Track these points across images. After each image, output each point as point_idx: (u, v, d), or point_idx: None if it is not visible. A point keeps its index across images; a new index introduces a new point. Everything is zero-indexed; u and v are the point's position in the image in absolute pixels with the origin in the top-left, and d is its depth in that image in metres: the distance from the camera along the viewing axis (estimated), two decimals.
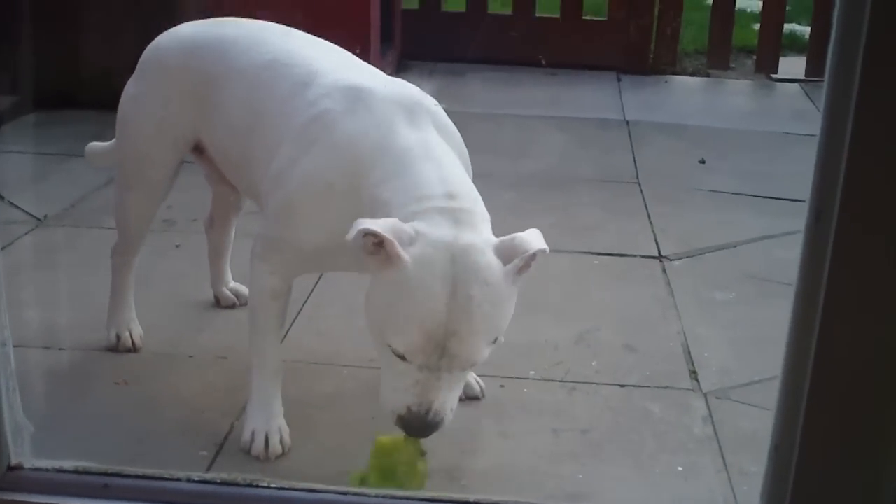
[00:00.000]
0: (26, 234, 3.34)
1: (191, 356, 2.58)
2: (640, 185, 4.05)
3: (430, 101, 2.11)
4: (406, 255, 1.76)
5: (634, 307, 2.95)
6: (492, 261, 1.81)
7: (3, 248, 3.16)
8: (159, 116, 2.39)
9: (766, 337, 2.77)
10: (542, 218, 3.59)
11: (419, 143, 1.96)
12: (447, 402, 1.83)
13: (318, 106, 2.07)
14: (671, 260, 3.31)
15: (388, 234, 1.74)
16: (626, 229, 3.57)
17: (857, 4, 1.18)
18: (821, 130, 1.29)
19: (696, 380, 2.55)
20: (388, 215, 1.84)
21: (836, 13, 1.22)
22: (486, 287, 1.78)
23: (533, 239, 1.88)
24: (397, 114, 2.00)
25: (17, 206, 3.56)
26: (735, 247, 3.47)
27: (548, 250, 1.89)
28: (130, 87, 2.46)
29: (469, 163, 2.14)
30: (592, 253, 3.35)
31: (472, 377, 2.42)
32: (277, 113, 2.14)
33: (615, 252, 3.36)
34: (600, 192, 3.98)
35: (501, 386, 2.48)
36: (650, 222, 3.64)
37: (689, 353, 2.68)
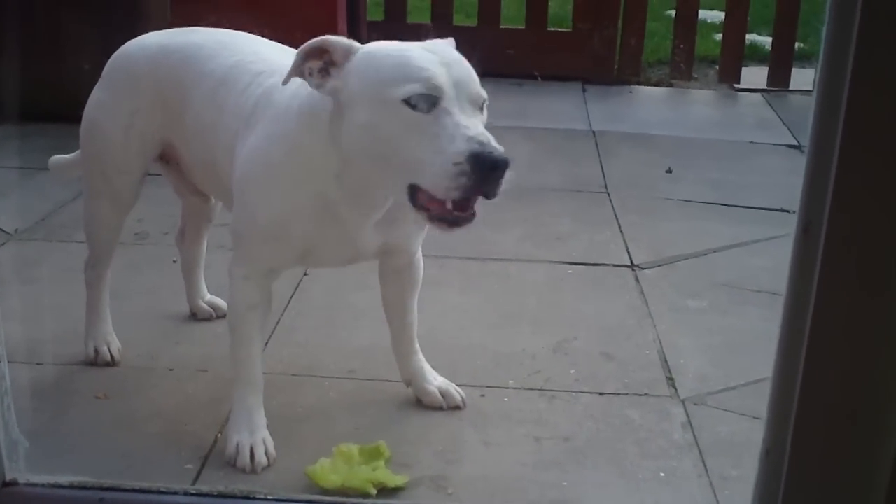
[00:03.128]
0: None
1: (170, 369, 2.58)
2: (608, 194, 4.08)
3: None
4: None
5: (610, 316, 2.98)
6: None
7: None
8: (126, 123, 2.39)
9: (739, 343, 2.82)
10: (515, 229, 3.63)
11: None
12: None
13: (262, 86, 2.13)
14: (643, 269, 3.34)
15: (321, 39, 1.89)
16: (598, 239, 3.60)
17: (845, 22, 1.21)
18: (809, 143, 1.31)
19: (674, 387, 2.58)
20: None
21: (824, 30, 1.25)
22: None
23: None
24: None
25: None
26: (705, 255, 3.50)
27: None
28: (96, 94, 2.45)
29: None
30: (566, 263, 3.37)
31: (452, 387, 2.44)
32: (235, 103, 2.17)
33: (588, 261, 3.38)
34: (570, 201, 4.01)
35: (482, 395, 2.50)
36: (621, 231, 3.67)
37: (666, 360, 2.71)
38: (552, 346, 2.77)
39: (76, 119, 2.49)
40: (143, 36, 2.47)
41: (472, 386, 2.51)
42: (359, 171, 1.95)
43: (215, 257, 2.84)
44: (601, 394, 2.54)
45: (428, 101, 1.81)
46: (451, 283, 3.15)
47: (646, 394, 2.54)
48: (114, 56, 2.46)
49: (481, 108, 1.88)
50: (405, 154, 1.81)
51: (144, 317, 2.85)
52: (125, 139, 2.40)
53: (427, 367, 2.46)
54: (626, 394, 2.54)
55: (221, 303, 2.83)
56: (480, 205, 1.85)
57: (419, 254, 2.35)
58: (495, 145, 1.77)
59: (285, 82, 1.94)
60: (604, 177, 4.30)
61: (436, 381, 2.45)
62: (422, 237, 2.27)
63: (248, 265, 2.14)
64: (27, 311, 2.82)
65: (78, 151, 2.58)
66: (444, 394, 2.43)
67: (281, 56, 2.23)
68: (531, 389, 2.54)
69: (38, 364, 2.57)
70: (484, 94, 1.89)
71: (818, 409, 1.36)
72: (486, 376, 2.58)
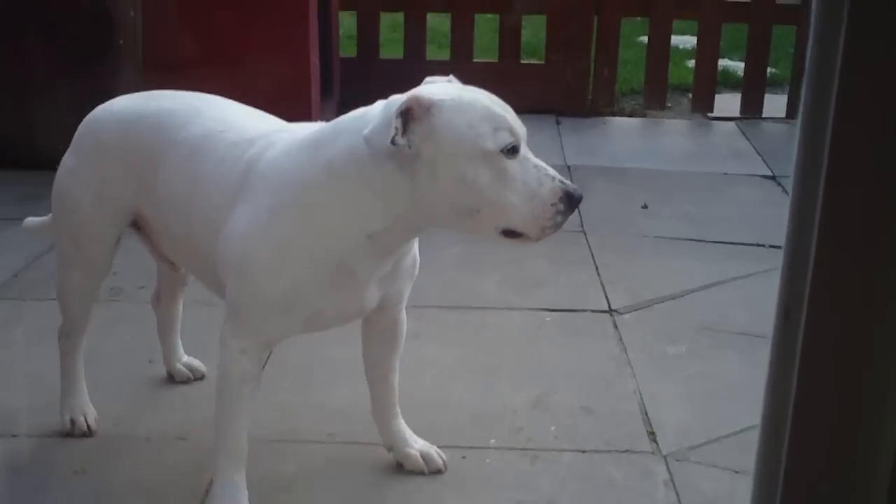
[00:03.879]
0: None
1: (148, 438, 2.55)
2: (585, 233, 4.08)
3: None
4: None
5: (589, 366, 2.97)
6: None
7: None
8: (97, 191, 2.37)
9: (720, 391, 2.81)
10: (493, 274, 3.62)
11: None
12: None
13: (245, 158, 2.10)
14: (621, 313, 3.34)
15: (412, 95, 1.90)
16: (575, 282, 3.60)
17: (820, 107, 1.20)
18: (787, 226, 1.31)
19: (655, 441, 2.57)
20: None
21: (799, 118, 1.24)
22: None
23: None
24: (306, 147, 2.03)
25: None
26: (683, 296, 3.51)
27: None
28: (67, 162, 2.43)
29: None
30: (544, 309, 3.36)
31: (433, 450, 2.43)
32: (213, 176, 2.15)
33: (566, 307, 3.38)
34: (547, 242, 3.98)
35: (463, 457, 2.48)
36: (598, 274, 3.67)
37: (646, 412, 2.70)
38: (532, 400, 2.76)
39: (49, 166, 2.47)
40: (112, 101, 2.45)
41: (454, 447, 2.50)
42: (404, 227, 1.99)
43: (191, 314, 2.82)
44: (583, 451, 2.53)
45: (515, 148, 1.90)
46: (430, 335, 3.13)
47: (627, 450, 2.53)
48: (84, 122, 2.44)
49: None
50: (500, 201, 1.89)
51: (121, 380, 2.83)
52: (96, 208, 2.38)
53: (407, 431, 2.45)
54: (608, 451, 2.53)
55: (198, 364, 2.81)
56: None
57: (403, 311, 2.34)
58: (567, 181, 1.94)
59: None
60: (580, 214, 4.29)
61: (416, 444, 2.44)
62: (409, 288, 2.27)
63: (248, 338, 2.11)
64: (3, 377, 2.79)
65: (50, 215, 2.55)
66: (425, 458, 2.42)
67: (253, 122, 2.22)
68: (513, 449, 2.53)
69: (13, 436, 2.54)
70: None
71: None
72: (467, 436, 2.57)
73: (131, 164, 2.33)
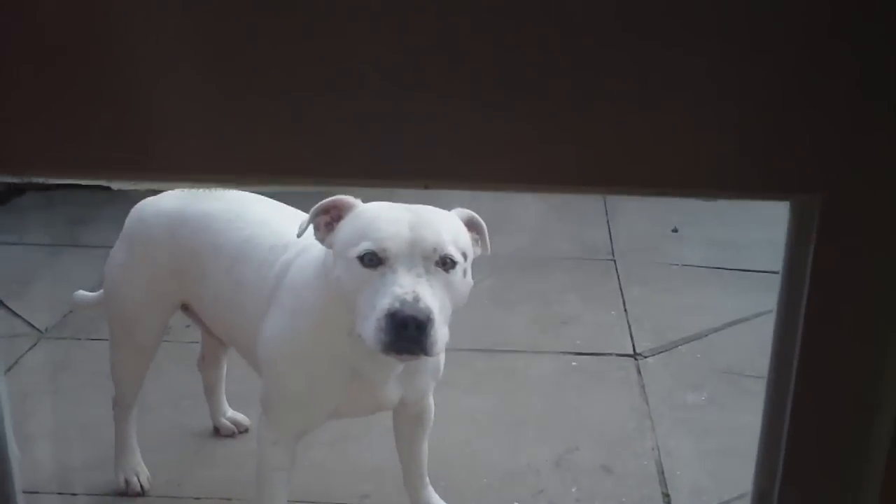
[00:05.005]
0: (29, 349, 3.49)
1: (196, 498, 2.75)
2: (615, 262, 4.22)
3: None
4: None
5: (611, 420, 3.13)
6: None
7: (9, 370, 3.31)
8: (146, 286, 2.55)
9: (736, 446, 2.92)
10: (523, 308, 3.78)
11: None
12: (433, 296, 1.93)
13: (280, 264, 2.28)
14: (645, 357, 3.49)
15: (333, 198, 2.05)
16: (602, 321, 3.75)
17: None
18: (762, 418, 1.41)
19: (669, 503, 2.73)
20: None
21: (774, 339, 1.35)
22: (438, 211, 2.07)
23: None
24: None
25: (19, 316, 3.71)
26: (707, 335, 3.64)
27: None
28: (116, 254, 2.60)
29: None
30: (570, 353, 3.52)
31: None
32: (253, 280, 2.32)
33: (592, 350, 3.53)
34: (577, 273, 4.15)
35: None
36: (625, 310, 3.81)
37: (663, 472, 2.86)
38: (555, 458, 2.92)
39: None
40: (160, 197, 2.59)
41: None
42: None
43: (237, 362, 3.00)
44: None
45: (374, 259, 1.96)
46: (457, 382, 3.28)
47: None
48: (132, 217, 2.59)
49: (444, 265, 1.98)
50: (356, 305, 1.98)
51: (170, 434, 3.02)
52: (145, 299, 2.56)
53: (435, 498, 2.62)
54: None
55: (242, 418, 3.00)
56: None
57: (431, 397, 2.50)
58: (421, 305, 1.88)
59: (299, 235, 2.11)
60: (611, 241, 4.44)
61: None
62: (434, 385, 2.42)
63: (278, 431, 2.30)
64: (60, 428, 2.99)
65: (101, 291, 2.74)
66: None
67: (291, 224, 2.38)
68: None
69: (72, 495, 2.75)
70: (447, 250, 1.98)
71: None
72: (491, 497, 2.74)
73: (177, 263, 2.49)
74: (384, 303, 1.90)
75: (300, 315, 2.19)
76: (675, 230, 4.54)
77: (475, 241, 2.15)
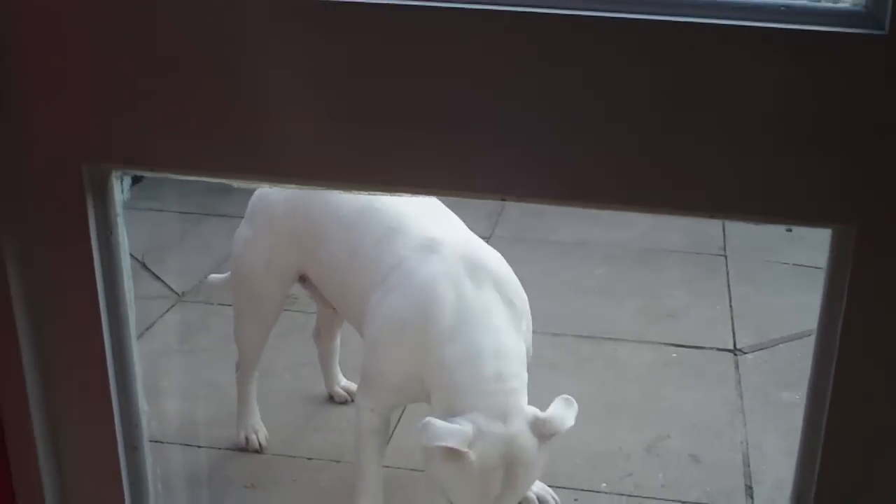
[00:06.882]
0: (167, 311, 3.78)
1: (309, 458, 2.99)
2: (726, 258, 4.32)
3: (493, 259, 2.47)
4: (471, 453, 2.16)
5: (704, 411, 3.26)
6: (531, 442, 2.25)
7: (147, 329, 3.61)
8: (268, 258, 2.78)
9: None
10: (631, 301, 3.92)
11: (481, 306, 2.35)
12: None
13: (399, 255, 2.47)
14: (745, 353, 3.60)
15: (458, 446, 2.14)
16: (707, 315, 3.86)
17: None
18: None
19: (752, 496, 2.86)
20: (450, 399, 2.27)
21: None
22: (527, 467, 2.25)
23: (562, 420, 2.32)
24: (462, 269, 2.38)
25: (159, 279, 4.00)
26: (808, 336, 3.72)
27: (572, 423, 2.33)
28: (243, 231, 2.85)
29: (527, 311, 2.50)
30: (671, 345, 3.65)
31: (549, 493, 2.78)
32: (369, 256, 2.53)
33: (693, 344, 3.66)
34: (687, 267, 4.27)
35: (575, 500, 2.83)
36: (730, 307, 3.92)
37: (749, 465, 2.99)
38: (646, 444, 3.08)
39: None
40: None
41: (568, 488, 2.85)
42: None
43: (350, 335, 3.23)
44: (683, 503, 2.84)
45: None
46: (564, 366, 3.47)
47: None
48: (256, 197, 2.83)
49: None
50: None
51: (288, 398, 3.27)
52: (266, 271, 2.79)
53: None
54: None
55: (354, 387, 3.23)
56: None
57: None
58: None
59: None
60: (724, 237, 4.53)
61: (534, 486, 2.79)
62: None
63: (375, 401, 2.52)
64: (190, 386, 3.27)
65: (229, 273, 2.99)
66: (541, 500, 2.77)
67: (404, 205, 2.55)
68: (621, 495, 2.87)
69: (197, 447, 3.01)
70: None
71: None
72: (581, 478, 2.91)
73: (296, 236, 2.72)
74: None
75: (408, 319, 2.39)
76: (790, 229, 4.60)
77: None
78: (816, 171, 0.98)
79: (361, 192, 2.14)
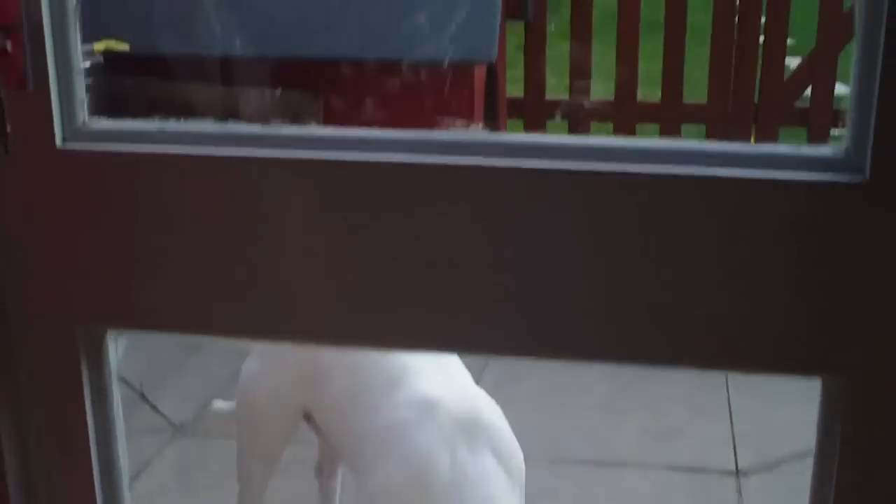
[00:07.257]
0: (165, 447, 3.76)
1: None
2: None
3: (493, 417, 2.44)
4: None
5: None
6: None
7: (145, 468, 3.58)
8: (276, 394, 2.78)
9: None
10: (632, 419, 3.89)
11: (477, 474, 2.31)
12: None
13: (396, 415, 2.43)
14: (747, 475, 3.57)
15: None
16: (708, 434, 3.83)
17: None
18: None
19: None
20: None
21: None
22: None
23: None
24: (459, 435, 2.34)
25: (157, 411, 3.99)
26: (810, 455, 3.69)
27: None
28: (251, 365, 2.85)
29: (523, 479, 2.44)
30: (672, 468, 3.62)
31: None
32: (367, 405, 2.51)
33: (695, 466, 3.63)
34: (686, 383, 4.23)
35: None
36: (731, 422, 3.89)
37: None
38: None
39: None
40: None
41: None
42: None
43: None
44: None
45: None
46: (564, 496, 3.44)
47: None
48: None
49: None
50: None
51: None
52: (273, 408, 2.79)
53: None
54: None
55: None
56: None
57: None
58: None
59: None
60: None
61: None
62: None
63: None
64: None
65: (235, 402, 2.99)
66: None
67: (425, 376, 2.53)
68: None
69: None
70: None
71: None
72: None
73: (305, 373, 2.70)
74: None
75: (398, 474, 2.35)
76: None
77: None
78: (801, 321, 0.98)
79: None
